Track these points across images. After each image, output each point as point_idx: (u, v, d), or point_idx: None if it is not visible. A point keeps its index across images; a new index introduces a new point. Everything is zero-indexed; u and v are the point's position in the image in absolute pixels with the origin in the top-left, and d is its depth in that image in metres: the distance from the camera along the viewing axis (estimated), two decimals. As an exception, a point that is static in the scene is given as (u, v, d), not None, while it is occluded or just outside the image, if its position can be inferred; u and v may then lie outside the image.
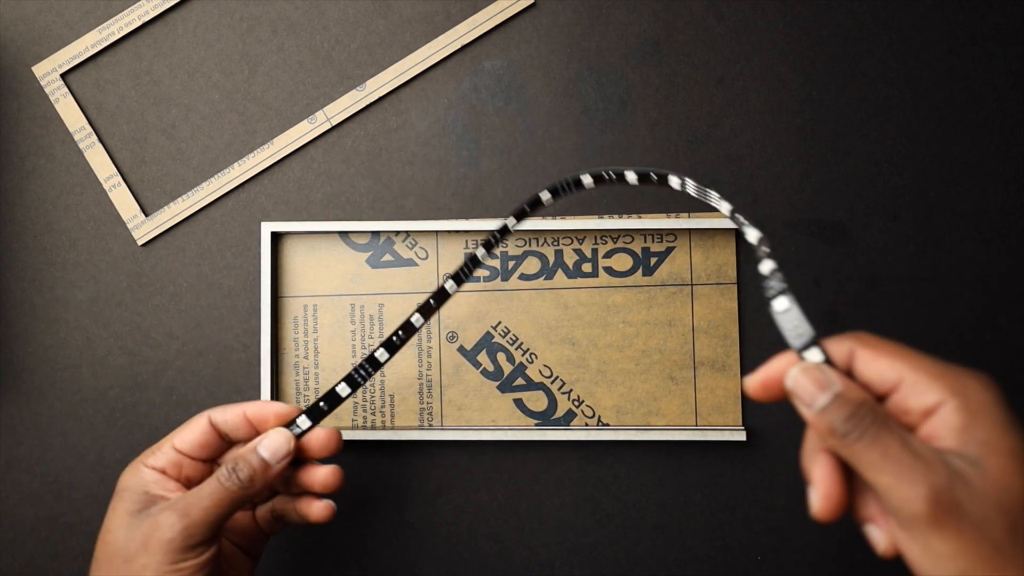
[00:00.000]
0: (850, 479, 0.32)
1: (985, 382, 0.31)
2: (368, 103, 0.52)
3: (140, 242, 0.51)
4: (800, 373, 0.32)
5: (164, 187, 0.52)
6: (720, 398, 0.50)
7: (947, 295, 0.50)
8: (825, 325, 0.50)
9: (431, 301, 0.42)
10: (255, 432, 0.42)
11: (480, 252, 0.43)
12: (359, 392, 0.51)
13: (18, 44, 0.52)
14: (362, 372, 0.42)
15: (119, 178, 0.51)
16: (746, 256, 0.51)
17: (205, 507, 0.39)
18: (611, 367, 0.51)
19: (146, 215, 0.52)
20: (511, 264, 0.51)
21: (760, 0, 0.51)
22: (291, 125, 0.52)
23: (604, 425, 0.51)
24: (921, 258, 0.51)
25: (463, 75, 0.52)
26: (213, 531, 0.39)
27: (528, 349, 0.51)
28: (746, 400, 0.50)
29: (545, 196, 0.43)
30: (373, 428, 0.51)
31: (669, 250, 0.51)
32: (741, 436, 0.49)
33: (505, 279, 0.51)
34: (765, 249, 0.35)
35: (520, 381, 0.51)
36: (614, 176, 0.42)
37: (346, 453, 0.51)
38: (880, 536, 0.32)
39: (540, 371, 0.51)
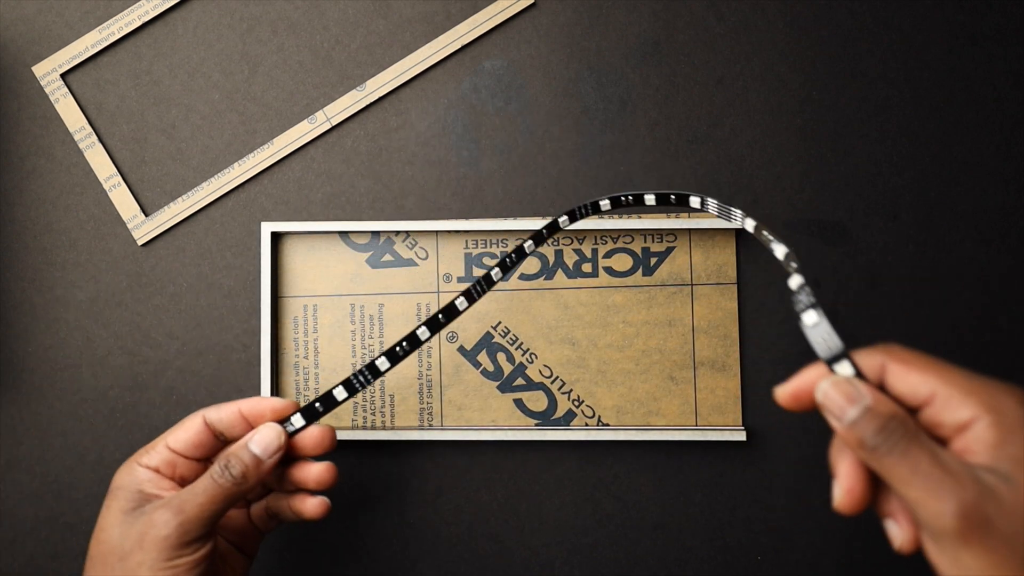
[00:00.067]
0: (874, 475, 0.32)
1: (1019, 397, 0.31)
2: (368, 103, 0.52)
3: (140, 242, 0.51)
4: (830, 386, 0.32)
5: (164, 187, 0.52)
6: (720, 398, 0.50)
7: (947, 295, 0.50)
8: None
9: (440, 316, 0.42)
10: (251, 429, 0.42)
11: (495, 272, 0.43)
12: (359, 392, 0.51)
13: (18, 44, 0.52)
14: (361, 379, 0.42)
15: (119, 178, 0.51)
16: (746, 256, 0.51)
17: (199, 504, 0.39)
18: (611, 367, 0.51)
19: (146, 215, 0.52)
20: (511, 264, 0.51)
21: (760, 0, 0.51)
22: (291, 125, 0.52)
23: (604, 425, 0.51)
24: (921, 258, 0.51)
25: (463, 75, 0.52)
26: (208, 528, 0.39)
27: (528, 349, 0.51)
28: (746, 400, 0.50)
29: (563, 220, 0.43)
30: (373, 428, 0.51)
31: (669, 250, 0.51)
32: (741, 436, 0.49)
33: (505, 279, 0.51)
34: (794, 264, 0.35)
35: (520, 381, 0.51)
36: (632, 199, 0.42)
37: (346, 453, 0.51)
38: (897, 532, 0.32)
39: (540, 371, 0.51)
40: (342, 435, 0.50)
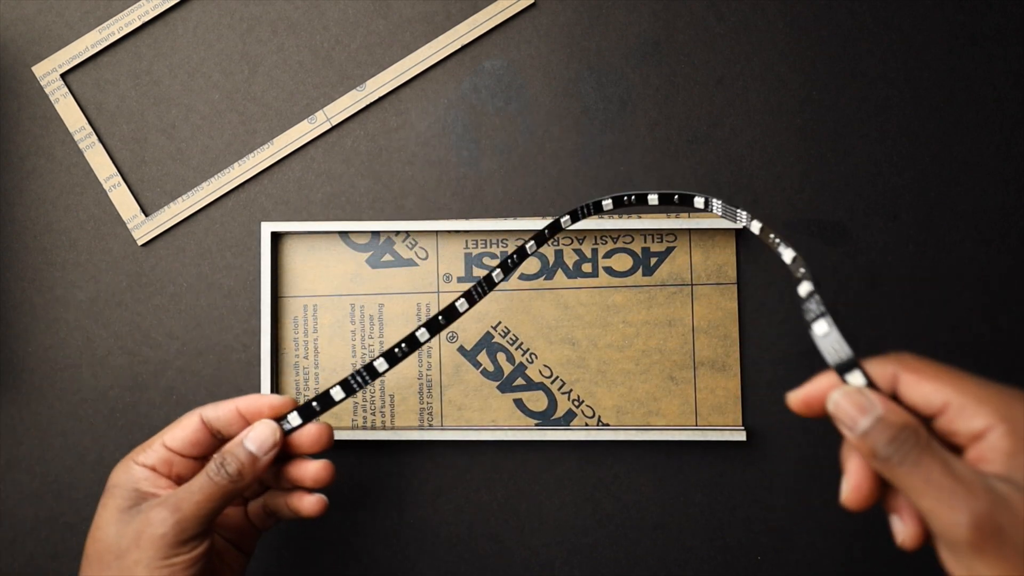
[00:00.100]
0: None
1: None
2: (368, 103, 0.52)
3: (140, 242, 0.51)
4: (841, 397, 0.32)
5: (164, 187, 0.52)
6: (720, 398, 0.50)
7: (947, 295, 0.50)
8: (825, 325, 0.50)
9: (440, 318, 0.42)
10: (248, 425, 0.42)
11: (496, 273, 0.42)
12: (359, 392, 0.51)
13: (18, 44, 0.52)
14: (359, 379, 0.42)
15: (119, 178, 0.51)
16: (746, 256, 0.51)
17: (196, 502, 0.39)
18: (611, 367, 0.51)
19: (146, 215, 0.52)
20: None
21: (760, 0, 0.51)
22: (291, 125, 0.52)
23: (604, 425, 0.51)
24: (921, 258, 0.51)
25: (463, 75, 0.52)
26: (205, 526, 0.39)
27: (528, 349, 0.51)
28: (746, 400, 0.50)
29: (565, 220, 0.43)
30: (373, 428, 0.51)
31: (669, 250, 0.51)
32: (741, 436, 0.49)
33: (507, 279, 0.51)
34: (802, 270, 0.35)
35: (520, 381, 0.51)
36: (635, 199, 0.42)
37: (346, 453, 0.51)
38: (900, 528, 0.32)
39: (540, 371, 0.51)
40: (342, 435, 0.50)
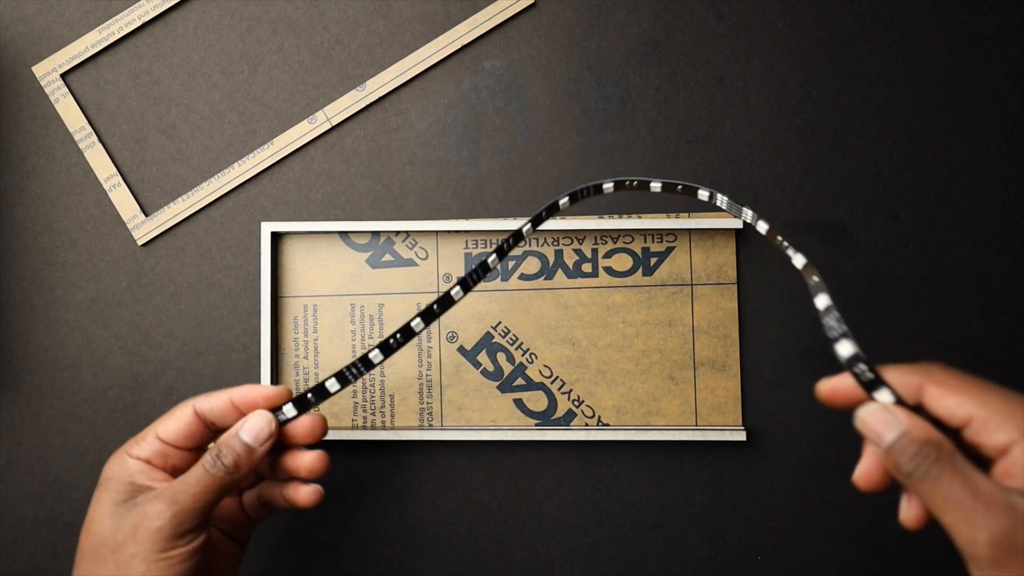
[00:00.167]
0: None
1: None
2: (368, 103, 0.52)
3: (140, 242, 0.51)
4: (867, 414, 0.33)
5: (164, 187, 0.52)
6: (720, 398, 0.50)
7: (947, 295, 0.50)
8: (825, 325, 0.50)
9: (435, 307, 0.41)
10: (242, 418, 0.42)
11: (492, 259, 0.41)
12: (359, 392, 0.51)
13: (18, 44, 0.52)
14: (354, 370, 0.41)
15: (119, 178, 0.51)
16: (746, 256, 0.51)
17: (193, 494, 0.39)
18: (611, 367, 0.51)
19: (146, 215, 0.52)
20: (511, 264, 0.51)
21: (760, 0, 0.51)
22: (291, 125, 0.52)
23: (604, 425, 0.51)
24: (921, 258, 0.51)
25: (463, 75, 0.52)
26: (202, 518, 0.39)
27: (528, 349, 0.51)
28: (746, 400, 0.50)
29: (563, 200, 0.42)
30: (373, 428, 0.51)
31: (669, 250, 0.51)
32: (741, 436, 0.49)
33: (505, 279, 0.51)
34: (815, 279, 0.35)
35: (520, 381, 0.51)
36: (635, 184, 0.42)
37: (346, 453, 0.51)
38: (906, 508, 0.34)
39: (540, 371, 0.51)
40: (342, 435, 0.50)
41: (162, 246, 0.52)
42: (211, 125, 0.52)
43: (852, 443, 0.50)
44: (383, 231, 0.51)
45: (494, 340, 0.51)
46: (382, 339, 0.51)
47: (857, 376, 0.34)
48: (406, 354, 0.51)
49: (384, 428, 0.51)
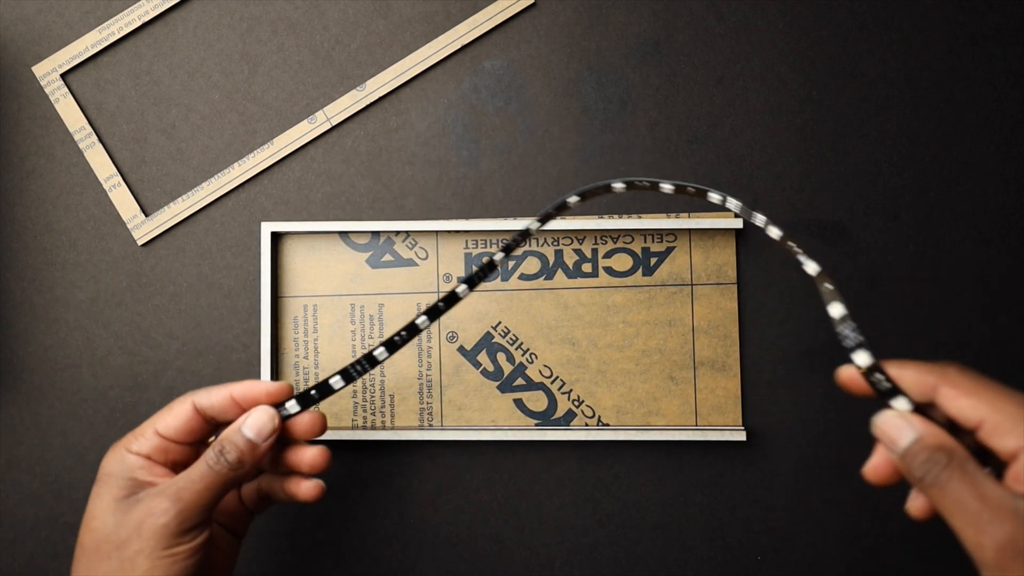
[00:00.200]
0: None
1: None
2: (368, 103, 0.52)
3: (140, 242, 0.51)
4: (883, 421, 0.34)
5: (164, 187, 0.52)
6: (720, 398, 0.50)
7: (947, 295, 0.50)
8: (826, 325, 0.50)
9: (440, 304, 0.41)
10: (243, 413, 0.41)
11: (498, 256, 0.41)
12: (359, 392, 0.51)
13: (18, 44, 0.52)
14: (358, 367, 0.41)
15: (119, 178, 0.51)
16: (746, 256, 0.51)
17: (197, 491, 0.38)
18: (611, 367, 0.51)
19: (146, 215, 0.52)
20: (511, 264, 0.51)
21: (760, 0, 0.51)
22: (291, 125, 0.52)
23: (604, 425, 0.51)
24: (921, 258, 0.51)
25: (463, 75, 0.52)
26: (206, 514, 0.39)
27: (528, 349, 0.51)
28: (746, 400, 0.50)
29: (573, 199, 0.41)
30: (373, 428, 0.51)
31: (669, 250, 0.51)
32: (741, 436, 0.49)
33: (505, 279, 0.51)
34: (828, 286, 0.36)
35: (520, 381, 0.51)
36: (647, 184, 0.41)
37: (346, 453, 0.51)
38: (913, 498, 0.35)
39: (540, 371, 0.51)
40: (342, 435, 0.50)
41: (162, 246, 0.52)
42: (211, 125, 0.52)
43: (852, 443, 0.50)
44: (383, 231, 0.51)
45: (494, 340, 0.51)
46: (383, 339, 0.51)
47: (874, 385, 0.34)
48: (406, 354, 0.51)
49: (384, 428, 0.51)
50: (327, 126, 0.51)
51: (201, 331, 0.51)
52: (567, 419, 0.51)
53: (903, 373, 0.34)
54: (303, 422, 0.42)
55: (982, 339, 0.50)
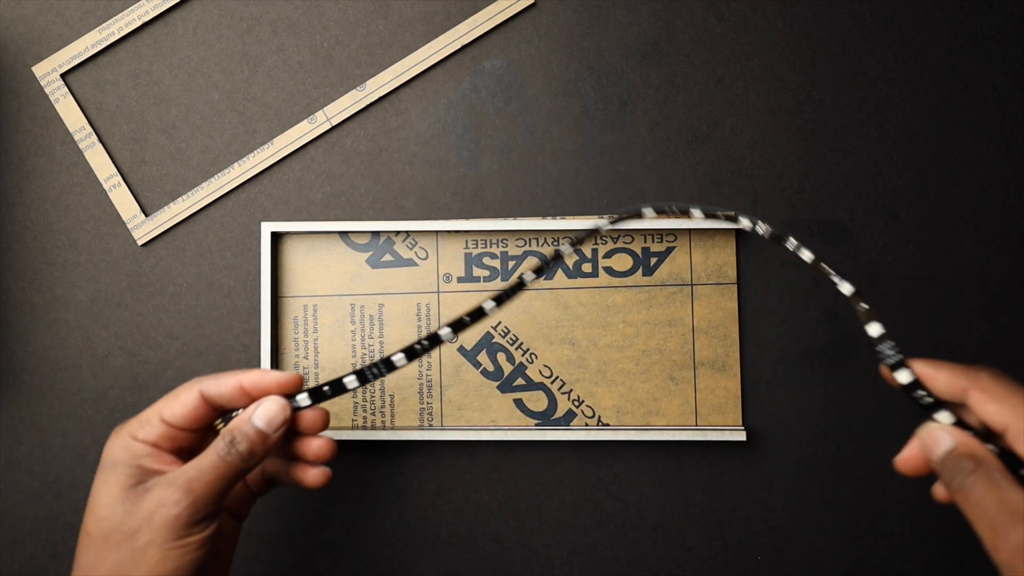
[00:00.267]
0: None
1: None
2: (368, 103, 0.52)
3: (140, 242, 0.51)
4: (925, 433, 0.36)
5: (164, 187, 0.52)
6: (720, 398, 0.50)
7: (947, 295, 0.50)
8: (826, 325, 0.50)
9: (466, 318, 0.41)
10: (251, 402, 0.41)
11: (529, 277, 0.41)
12: (359, 392, 0.51)
13: (18, 44, 0.52)
14: (374, 371, 0.40)
15: (119, 178, 0.51)
16: (746, 256, 0.51)
17: (208, 482, 0.38)
18: (611, 367, 0.51)
19: (146, 215, 0.52)
20: (511, 264, 0.51)
21: (760, 0, 0.51)
22: (291, 125, 0.52)
23: (604, 425, 0.51)
24: (921, 258, 0.51)
25: (463, 75, 0.52)
26: (217, 505, 0.39)
27: (528, 349, 0.51)
28: (746, 400, 0.50)
29: (604, 226, 0.42)
30: (373, 428, 0.51)
31: (669, 250, 0.51)
32: (741, 436, 0.49)
33: (505, 279, 0.51)
34: (864, 306, 0.38)
35: (520, 381, 0.51)
36: (677, 211, 0.42)
37: (346, 453, 0.51)
38: (939, 486, 0.37)
39: (540, 371, 0.51)
40: (343, 435, 0.50)
41: (162, 246, 0.52)
42: (211, 125, 0.52)
43: (852, 443, 0.50)
44: (383, 231, 0.51)
45: (494, 340, 0.51)
46: (384, 343, 0.51)
47: (916, 401, 0.36)
48: (406, 354, 0.51)
49: (384, 428, 0.51)
50: (327, 126, 0.51)
51: (201, 331, 0.51)
52: (567, 419, 0.51)
53: (937, 375, 0.36)
54: (307, 416, 0.41)
55: (982, 339, 0.50)
